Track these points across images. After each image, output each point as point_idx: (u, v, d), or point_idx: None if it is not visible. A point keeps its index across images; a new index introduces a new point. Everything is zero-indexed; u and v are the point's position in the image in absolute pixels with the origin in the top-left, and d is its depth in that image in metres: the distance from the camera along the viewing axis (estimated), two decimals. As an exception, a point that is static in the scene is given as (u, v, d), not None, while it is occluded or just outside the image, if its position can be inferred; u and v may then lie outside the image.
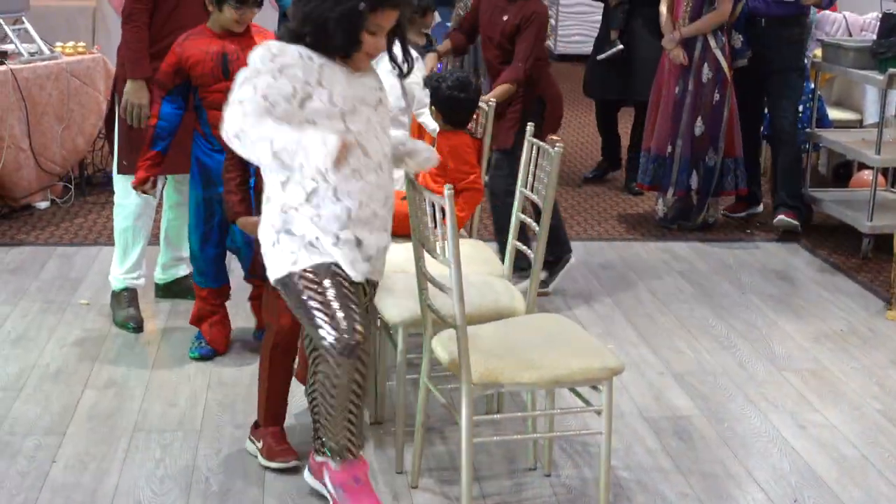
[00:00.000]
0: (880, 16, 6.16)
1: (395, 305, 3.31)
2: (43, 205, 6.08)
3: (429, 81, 4.16)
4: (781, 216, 5.83)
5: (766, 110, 6.11)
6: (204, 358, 4.10)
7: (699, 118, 5.78)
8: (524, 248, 3.58)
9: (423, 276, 3.09)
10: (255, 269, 3.93)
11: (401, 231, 3.46)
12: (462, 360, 2.91)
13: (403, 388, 3.37)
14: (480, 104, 4.29)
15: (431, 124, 4.33)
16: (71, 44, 6.38)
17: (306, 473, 3.22)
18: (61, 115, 6.09)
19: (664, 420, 3.78)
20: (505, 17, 4.83)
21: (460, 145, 4.03)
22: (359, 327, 2.85)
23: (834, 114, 6.78)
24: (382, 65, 3.20)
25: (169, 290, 4.72)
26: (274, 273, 2.95)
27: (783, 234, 5.93)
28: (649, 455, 3.53)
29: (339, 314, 2.84)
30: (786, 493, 3.33)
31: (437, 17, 6.08)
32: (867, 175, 6.19)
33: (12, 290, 4.83)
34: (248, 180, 3.52)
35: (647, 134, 6.03)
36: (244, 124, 2.72)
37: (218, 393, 3.86)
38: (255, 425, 3.43)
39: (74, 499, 3.18)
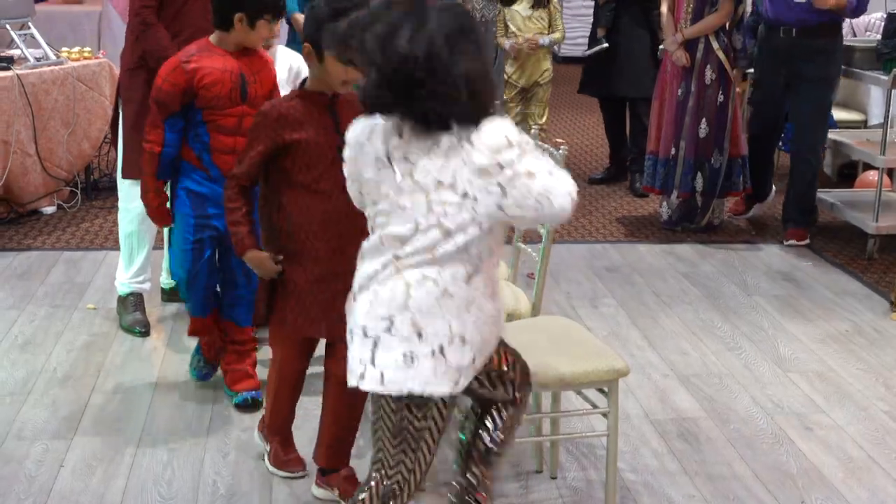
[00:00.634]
0: (885, 16, 6.15)
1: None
2: (49, 210, 6.10)
3: None
4: (792, 240, 5.81)
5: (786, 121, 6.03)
6: (204, 379, 3.95)
7: (703, 120, 5.78)
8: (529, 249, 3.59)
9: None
10: (257, 318, 3.22)
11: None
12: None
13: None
14: None
15: None
16: (77, 49, 6.40)
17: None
18: (67, 120, 6.11)
19: (670, 422, 3.78)
20: None
21: None
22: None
23: (839, 114, 6.77)
24: None
25: (175, 294, 4.73)
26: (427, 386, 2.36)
27: (788, 236, 5.94)
28: (655, 457, 3.54)
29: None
30: (792, 494, 3.33)
31: None
32: (872, 175, 6.19)
33: (19, 294, 4.85)
34: (253, 210, 3.11)
35: (652, 137, 6.04)
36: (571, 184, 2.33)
37: (225, 396, 3.86)
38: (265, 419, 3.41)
39: (82, 503, 3.19)
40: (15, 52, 6.07)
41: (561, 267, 5.35)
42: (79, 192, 6.26)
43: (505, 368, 2.62)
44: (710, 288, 5.19)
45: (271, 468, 3.33)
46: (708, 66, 5.75)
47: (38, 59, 6.05)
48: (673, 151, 5.88)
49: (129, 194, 4.34)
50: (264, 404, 3.41)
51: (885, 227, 5.54)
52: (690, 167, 5.85)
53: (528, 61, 6.42)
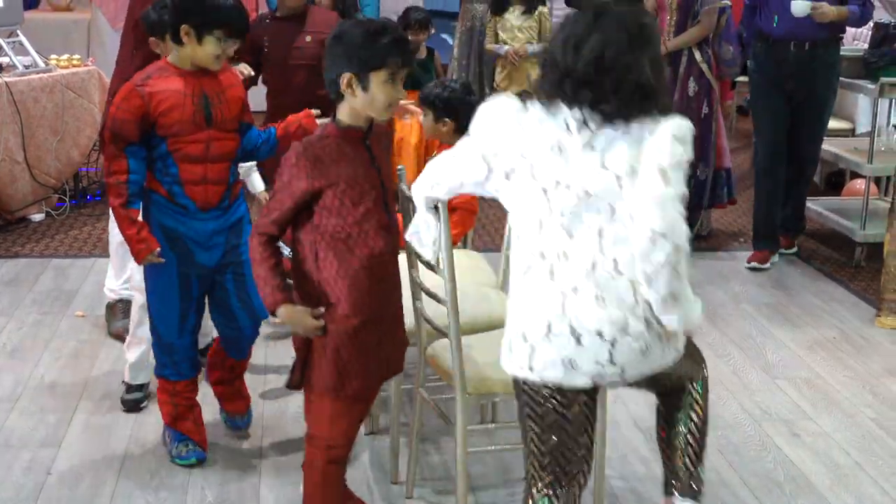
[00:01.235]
0: (872, 26, 6.18)
1: (390, 316, 3.31)
2: (38, 217, 6.09)
3: (433, 90, 3.88)
4: (781, 248, 5.81)
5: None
6: (201, 461, 3.43)
7: None
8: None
9: (416, 286, 3.10)
10: (293, 382, 2.84)
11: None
12: (456, 370, 2.92)
13: (399, 398, 3.37)
14: None
15: (259, 185, 3.88)
16: (66, 56, 6.40)
17: None
18: (56, 128, 6.11)
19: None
20: None
21: None
22: None
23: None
24: None
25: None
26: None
27: (776, 243, 5.96)
28: (643, 464, 3.54)
29: None
30: (780, 500, 3.34)
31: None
32: (860, 184, 6.22)
33: (7, 302, 4.84)
34: (280, 262, 2.72)
35: None
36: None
37: (213, 405, 3.85)
38: None
39: (70, 511, 3.19)
40: (3, 60, 6.06)
41: (550, 274, 5.35)
42: (67, 199, 6.26)
43: None
44: (699, 295, 5.17)
45: None
46: (691, 79, 5.74)
47: (26, 67, 6.05)
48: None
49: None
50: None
51: (872, 235, 5.56)
52: (676, 180, 5.83)
53: (516, 70, 6.44)
